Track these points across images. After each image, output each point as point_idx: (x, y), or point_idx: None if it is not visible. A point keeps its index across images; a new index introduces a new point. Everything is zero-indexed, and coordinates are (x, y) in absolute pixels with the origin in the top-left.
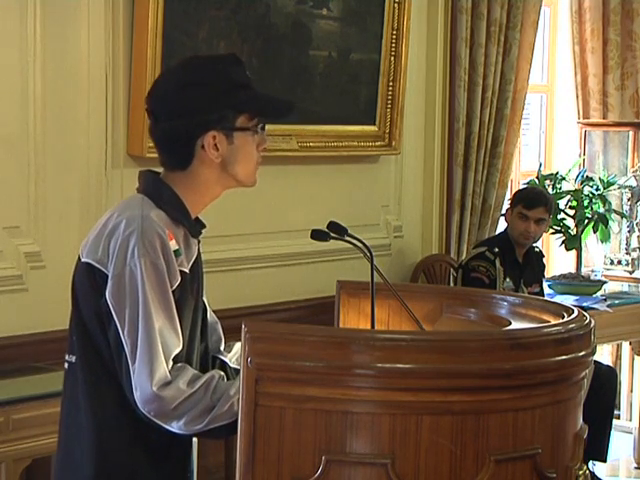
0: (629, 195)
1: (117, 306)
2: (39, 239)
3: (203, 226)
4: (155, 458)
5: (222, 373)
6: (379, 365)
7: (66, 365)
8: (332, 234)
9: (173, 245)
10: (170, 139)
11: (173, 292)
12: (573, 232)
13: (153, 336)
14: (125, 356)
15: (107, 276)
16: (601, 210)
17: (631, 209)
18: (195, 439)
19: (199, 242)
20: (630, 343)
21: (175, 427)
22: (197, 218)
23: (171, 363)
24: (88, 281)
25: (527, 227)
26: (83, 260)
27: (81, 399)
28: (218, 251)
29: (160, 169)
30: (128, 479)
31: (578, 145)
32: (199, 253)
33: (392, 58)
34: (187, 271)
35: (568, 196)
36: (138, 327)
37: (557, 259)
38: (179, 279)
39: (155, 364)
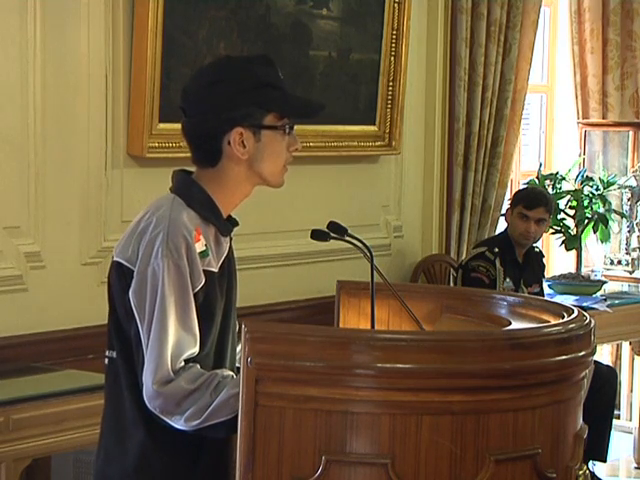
0: (629, 195)
1: (138, 303)
2: (39, 239)
3: (236, 224)
4: (189, 454)
5: (227, 372)
6: (379, 365)
7: (106, 360)
8: (332, 234)
9: (199, 247)
10: (198, 135)
11: (197, 294)
12: (573, 232)
13: (164, 335)
14: (143, 352)
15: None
16: (601, 210)
17: (631, 209)
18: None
19: (231, 239)
20: (630, 343)
21: (178, 423)
22: (229, 216)
23: (182, 363)
24: (118, 279)
25: (527, 227)
26: (114, 259)
27: (125, 393)
28: None
29: (192, 168)
30: (168, 473)
31: (578, 145)
32: (231, 250)
33: (392, 58)
34: (215, 270)
35: (568, 196)
36: (152, 325)
37: (557, 259)
38: (203, 280)
39: (159, 362)
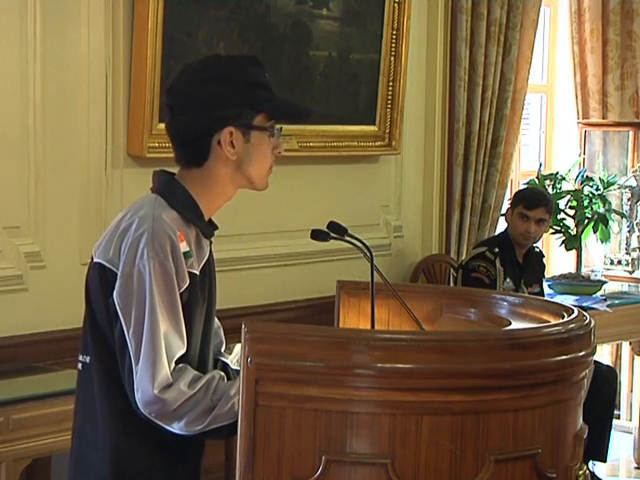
0: (629, 195)
1: (123, 306)
2: (39, 239)
3: (215, 228)
4: (169, 459)
5: (222, 374)
6: (379, 365)
7: (80, 365)
8: (332, 234)
9: (183, 247)
10: (187, 133)
11: (181, 294)
12: (573, 232)
13: (157, 338)
14: (129, 356)
15: (117, 276)
16: (601, 210)
17: (631, 209)
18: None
19: (211, 243)
20: (630, 343)
21: (176, 428)
22: (210, 219)
23: (173, 365)
24: (100, 281)
25: (528, 227)
26: (95, 260)
27: (97, 400)
28: (218, 251)
29: (173, 170)
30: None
31: (578, 145)
32: (211, 254)
33: (392, 58)
34: (197, 272)
35: (568, 196)
36: (143, 328)
37: (557, 259)
38: (188, 281)
39: (158, 366)
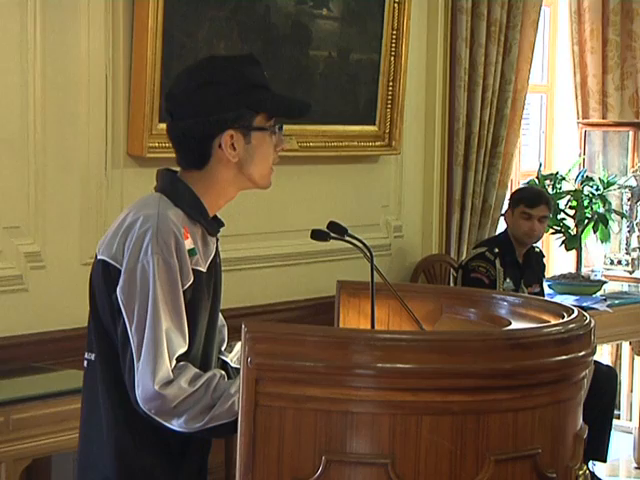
0: (629, 195)
1: (126, 302)
2: (39, 239)
3: (221, 224)
4: (173, 456)
5: (223, 372)
6: (379, 365)
7: (85, 363)
8: (332, 234)
9: (188, 244)
10: (187, 138)
11: (185, 292)
12: (573, 232)
13: (159, 335)
14: (131, 352)
15: (121, 272)
16: (601, 210)
17: (631, 209)
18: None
19: (217, 240)
20: (630, 343)
21: (175, 425)
22: (215, 216)
23: (175, 362)
24: (103, 278)
25: (531, 226)
26: (99, 257)
27: (100, 397)
28: None
29: (176, 168)
30: (147, 478)
31: (578, 145)
32: (217, 251)
33: (392, 58)
34: (203, 270)
35: (568, 196)
36: (145, 324)
37: (557, 259)
38: (192, 279)
39: (159, 363)
